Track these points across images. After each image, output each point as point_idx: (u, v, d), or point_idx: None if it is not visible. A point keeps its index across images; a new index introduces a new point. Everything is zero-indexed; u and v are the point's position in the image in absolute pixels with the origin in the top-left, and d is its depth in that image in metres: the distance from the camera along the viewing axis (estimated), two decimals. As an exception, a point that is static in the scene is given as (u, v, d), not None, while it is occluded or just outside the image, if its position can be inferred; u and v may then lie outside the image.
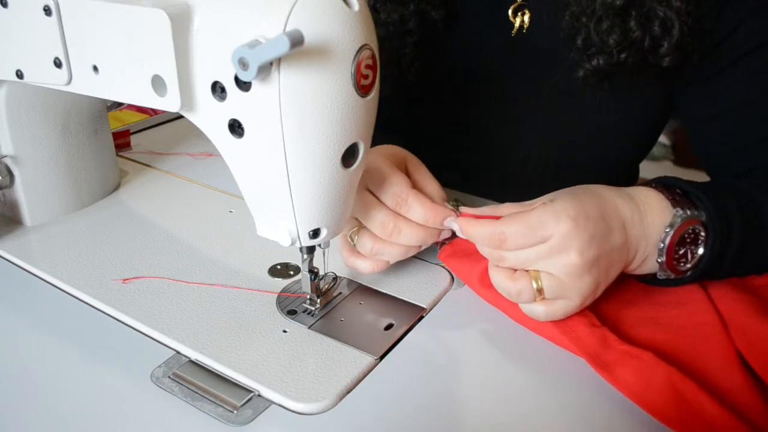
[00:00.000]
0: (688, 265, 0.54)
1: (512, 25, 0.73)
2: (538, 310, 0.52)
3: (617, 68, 0.66)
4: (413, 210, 0.55)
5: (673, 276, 0.55)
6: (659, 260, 0.54)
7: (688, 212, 0.53)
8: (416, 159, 0.62)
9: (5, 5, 0.55)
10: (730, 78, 0.67)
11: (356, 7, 0.44)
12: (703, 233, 0.53)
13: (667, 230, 0.53)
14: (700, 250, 0.54)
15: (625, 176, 0.87)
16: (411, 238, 0.56)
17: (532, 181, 0.81)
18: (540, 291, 0.51)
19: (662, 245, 0.53)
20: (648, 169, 0.88)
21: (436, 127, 0.84)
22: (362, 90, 0.45)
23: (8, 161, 0.66)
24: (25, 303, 0.58)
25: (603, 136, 0.76)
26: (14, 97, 0.63)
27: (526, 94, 0.76)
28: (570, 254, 0.50)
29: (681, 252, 0.54)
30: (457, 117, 0.82)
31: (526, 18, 0.72)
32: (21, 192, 0.67)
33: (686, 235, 0.53)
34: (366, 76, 0.45)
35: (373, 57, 0.45)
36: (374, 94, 0.47)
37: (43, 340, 0.53)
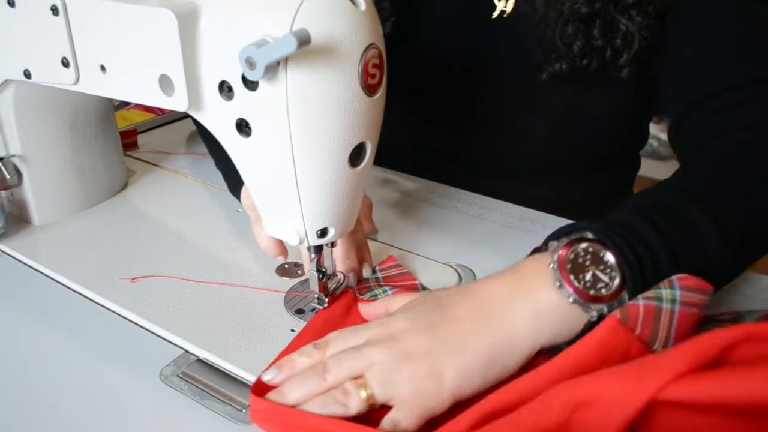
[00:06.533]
0: (611, 285, 0.45)
1: (494, 7, 0.73)
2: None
3: (578, 73, 0.68)
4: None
5: (606, 309, 0.45)
6: (557, 283, 0.45)
7: (565, 238, 0.47)
8: None
9: (12, 5, 0.55)
10: (680, 20, 0.66)
11: (363, 6, 0.44)
12: (605, 251, 0.46)
13: (552, 265, 0.46)
14: (610, 258, 0.45)
15: (624, 155, 0.87)
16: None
17: (527, 164, 0.81)
18: (370, 397, 0.44)
19: (553, 264, 0.46)
20: (654, 168, 0.87)
21: (415, 107, 0.84)
22: (369, 89, 0.45)
23: (16, 161, 0.66)
24: (33, 302, 0.58)
25: (590, 118, 0.77)
26: (22, 97, 0.64)
27: (506, 77, 0.76)
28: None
29: (588, 278, 0.45)
30: (437, 95, 0.82)
31: (510, 3, 0.72)
32: (29, 191, 0.68)
33: (579, 257, 0.46)
34: (373, 76, 0.45)
35: (380, 56, 0.45)
36: (381, 93, 0.47)
37: (52, 339, 0.54)
